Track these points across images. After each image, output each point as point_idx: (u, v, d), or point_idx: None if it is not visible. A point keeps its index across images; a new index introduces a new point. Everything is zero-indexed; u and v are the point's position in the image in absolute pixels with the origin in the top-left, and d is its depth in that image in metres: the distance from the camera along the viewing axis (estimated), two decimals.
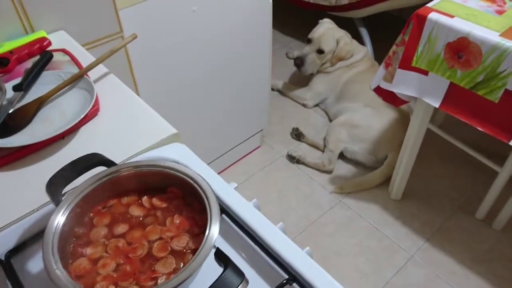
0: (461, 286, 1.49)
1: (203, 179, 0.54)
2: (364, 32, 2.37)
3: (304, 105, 2.23)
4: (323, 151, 1.95)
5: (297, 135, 2.03)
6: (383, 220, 1.70)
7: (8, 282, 0.54)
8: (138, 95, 1.27)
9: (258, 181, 1.86)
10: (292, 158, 1.93)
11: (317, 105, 2.23)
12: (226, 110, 1.68)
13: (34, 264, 0.57)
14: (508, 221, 1.62)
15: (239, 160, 1.94)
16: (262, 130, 1.95)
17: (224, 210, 0.62)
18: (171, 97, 1.42)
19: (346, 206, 1.76)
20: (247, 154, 1.97)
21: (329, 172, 1.88)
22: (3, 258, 0.56)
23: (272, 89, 2.32)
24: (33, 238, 0.59)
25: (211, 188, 0.53)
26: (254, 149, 2.00)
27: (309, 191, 1.82)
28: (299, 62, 2.14)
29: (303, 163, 1.91)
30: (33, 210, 0.61)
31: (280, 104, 2.26)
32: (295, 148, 2.00)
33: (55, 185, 0.55)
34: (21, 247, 0.58)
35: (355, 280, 1.51)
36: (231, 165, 1.92)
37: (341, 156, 1.93)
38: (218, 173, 2.05)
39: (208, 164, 2.03)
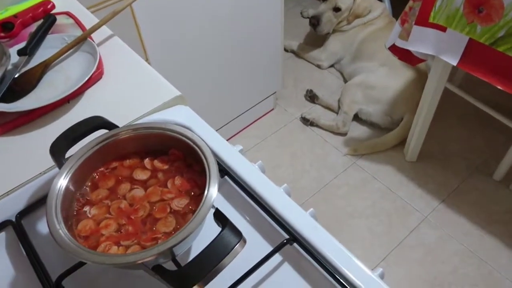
0: (475, 247, 1.48)
1: (202, 140, 0.54)
2: None
3: (318, 66, 2.18)
4: (337, 113, 1.92)
5: (311, 97, 2.00)
6: (398, 182, 1.69)
7: (19, 242, 0.57)
8: (147, 58, 1.27)
9: (271, 144, 1.86)
10: (306, 121, 1.91)
11: (332, 65, 2.18)
12: (238, 72, 1.66)
13: (43, 225, 0.59)
14: None
15: (253, 123, 1.94)
16: (275, 92, 1.93)
17: (227, 172, 0.62)
18: (182, 60, 1.40)
19: (360, 168, 1.75)
20: (260, 117, 1.96)
21: (343, 134, 1.86)
22: (13, 219, 0.58)
23: (286, 50, 2.27)
24: (41, 200, 0.60)
25: (210, 149, 0.53)
26: (268, 112, 1.98)
27: (323, 154, 1.81)
28: (315, 21, 2.07)
29: (317, 126, 1.89)
30: (40, 173, 0.63)
31: (294, 65, 2.22)
32: (309, 110, 1.97)
33: (58, 149, 0.55)
34: (31, 209, 0.60)
35: (368, 240, 1.52)
36: (245, 128, 1.92)
37: (356, 117, 1.90)
38: (232, 136, 2.06)
39: (221, 127, 2.04)
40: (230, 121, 1.81)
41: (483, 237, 1.51)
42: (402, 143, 1.78)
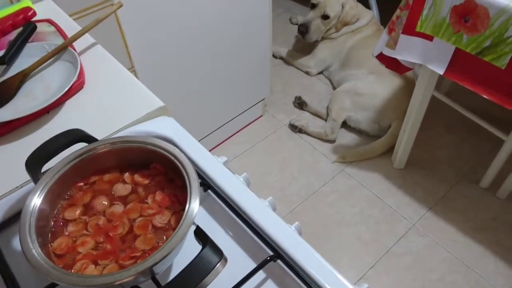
0: (462, 254, 1.49)
1: (184, 155, 0.53)
2: None
3: (307, 73, 2.18)
4: (326, 120, 1.92)
5: (300, 103, 2.00)
6: (386, 189, 1.69)
7: None
8: (133, 65, 1.25)
9: (260, 151, 1.85)
10: (294, 128, 1.90)
11: (321, 72, 2.18)
12: (226, 79, 1.65)
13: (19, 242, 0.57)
14: None
15: (241, 129, 1.93)
16: (264, 99, 1.92)
17: (210, 186, 0.61)
18: (168, 67, 1.39)
19: (349, 175, 1.75)
20: (249, 124, 1.95)
21: (331, 141, 1.86)
22: None
23: (275, 57, 2.27)
24: (17, 215, 0.58)
25: (192, 164, 0.51)
26: (256, 119, 1.97)
27: (312, 161, 1.81)
28: (303, 29, 2.07)
29: (306, 133, 1.89)
30: (17, 187, 0.61)
31: (283, 72, 2.21)
32: (297, 117, 1.97)
33: (34, 163, 0.54)
34: (6, 224, 0.58)
35: (356, 248, 1.52)
36: (233, 134, 1.90)
37: (344, 124, 1.90)
38: (220, 143, 2.04)
39: (209, 133, 2.01)
40: (219, 128, 1.79)
41: (470, 245, 1.51)
42: (390, 150, 1.78)
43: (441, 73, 1.23)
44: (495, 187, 1.64)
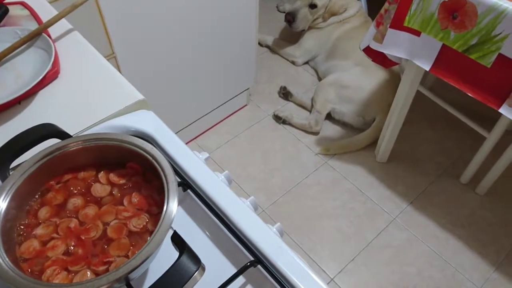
0: (440, 249, 1.51)
1: (161, 153, 0.50)
2: None
3: (293, 63, 2.15)
4: (310, 112, 1.90)
5: (285, 94, 1.98)
6: (368, 183, 1.70)
7: None
8: (113, 51, 1.20)
9: (243, 141, 1.83)
10: (278, 118, 1.88)
11: (306, 62, 2.16)
12: (211, 67, 1.61)
13: None
14: (491, 186, 1.62)
15: (225, 119, 1.90)
16: (248, 88, 1.89)
17: (190, 185, 0.59)
18: (151, 53, 1.34)
19: (332, 168, 1.74)
20: (233, 113, 1.92)
21: (315, 133, 1.85)
22: None
23: (261, 45, 2.23)
24: None
25: (170, 165, 0.49)
26: (240, 108, 1.94)
27: (295, 152, 1.79)
28: (290, 18, 2.04)
29: (290, 124, 1.87)
30: None
31: (269, 61, 2.18)
32: (282, 108, 1.95)
33: (2, 159, 0.50)
34: None
35: (337, 241, 1.52)
36: (216, 124, 1.87)
37: (329, 117, 1.89)
38: (203, 132, 1.99)
39: (192, 122, 1.96)
40: (202, 117, 1.76)
41: (449, 239, 1.53)
42: (373, 144, 1.78)
43: (427, 69, 1.22)
44: (474, 183, 1.66)
